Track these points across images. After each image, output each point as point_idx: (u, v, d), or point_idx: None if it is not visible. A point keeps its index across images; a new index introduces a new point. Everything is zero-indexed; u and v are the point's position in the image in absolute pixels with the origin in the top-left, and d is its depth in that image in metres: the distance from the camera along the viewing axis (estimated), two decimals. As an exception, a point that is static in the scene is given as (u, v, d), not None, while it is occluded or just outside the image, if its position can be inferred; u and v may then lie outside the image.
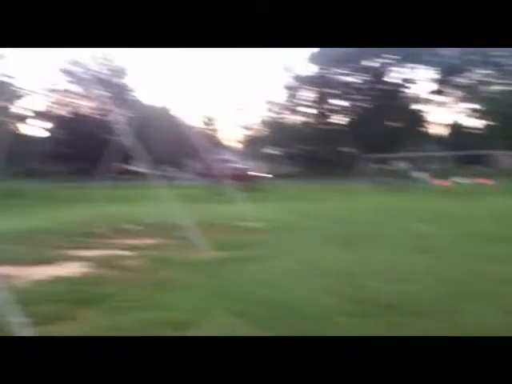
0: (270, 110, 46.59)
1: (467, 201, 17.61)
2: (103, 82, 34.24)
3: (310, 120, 47.24)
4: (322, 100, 45.82)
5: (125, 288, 5.24)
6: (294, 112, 46.20)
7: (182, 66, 76.48)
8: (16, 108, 25.26)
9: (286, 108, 46.08)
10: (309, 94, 46.71)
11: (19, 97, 19.67)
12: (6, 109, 18.30)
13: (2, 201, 17.63)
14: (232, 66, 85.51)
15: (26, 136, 26.83)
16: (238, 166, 32.11)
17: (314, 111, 47.11)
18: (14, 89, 25.34)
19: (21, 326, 3.35)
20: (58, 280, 5.65)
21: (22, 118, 25.82)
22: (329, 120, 47.13)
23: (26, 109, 29.68)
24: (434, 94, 46.15)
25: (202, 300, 4.80)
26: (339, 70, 44.91)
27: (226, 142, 43.55)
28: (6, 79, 26.88)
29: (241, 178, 25.74)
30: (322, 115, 47.15)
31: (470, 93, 43.61)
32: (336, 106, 46.58)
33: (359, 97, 45.78)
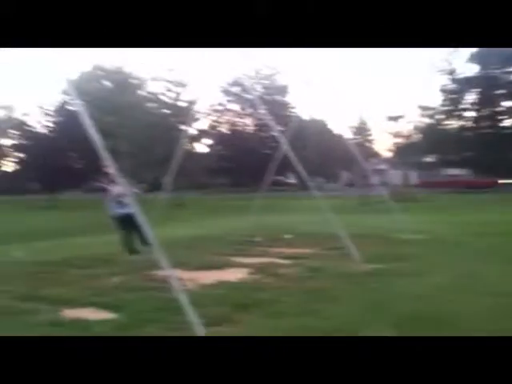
0: (423, 115, 43.99)
1: None
2: (262, 100, 36.09)
3: (471, 124, 43.34)
4: (485, 102, 41.75)
5: (282, 295, 5.47)
6: (452, 116, 42.90)
7: (333, 74, 76.92)
8: (191, 129, 28.33)
9: (442, 112, 43.02)
10: (469, 96, 42.97)
11: (193, 118, 22.09)
12: (185, 131, 20.85)
13: (171, 210, 19.73)
14: (382, 69, 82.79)
15: (193, 152, 29.70)
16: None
17: (476, 114, 43.15)
18: (191, 111, 28.35)
19: (196, 326, 3.72)
20: (221, 284, 6.15)
21: (192, 137, 28.75)
22: (494, 123, 42.72)
23: (195, 128, 33.04)
24: None
25: (356, 311, 4.78)
26: (505, 70, 40.53)
27: (378, 151, 42.32)
28: (184, 104, 30.27)
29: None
30: (486, 118, 42.93)
31: None
32: (503, 107, 42.03)
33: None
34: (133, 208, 7.26)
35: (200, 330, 3.71)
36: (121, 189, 7.40)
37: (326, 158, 41.80)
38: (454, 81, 41.66)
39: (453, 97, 42.09)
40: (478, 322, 4.26)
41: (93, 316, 4.85)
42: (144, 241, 7.20)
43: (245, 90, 44.40)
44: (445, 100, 42.65)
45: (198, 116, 28.07)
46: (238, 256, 8.36)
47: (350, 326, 4.27)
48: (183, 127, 29.37)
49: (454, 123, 43.35)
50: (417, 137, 44.61)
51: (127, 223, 7.40)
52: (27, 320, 4.70)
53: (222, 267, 7.47)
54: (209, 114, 44.84)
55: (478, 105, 42.40)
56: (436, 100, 44.44)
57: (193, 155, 28.64)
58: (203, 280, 6.48)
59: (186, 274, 6.72)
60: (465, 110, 42.94)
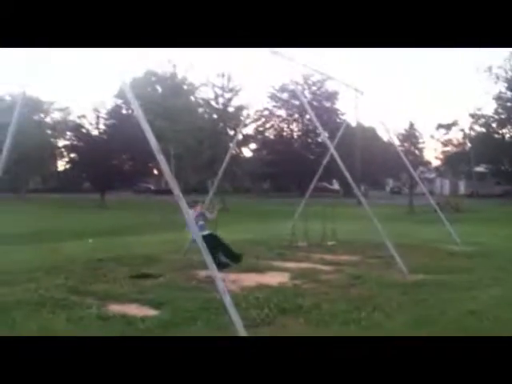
0: (476, 123, 42.37)
1: None
2: (310, 106, 35.96)
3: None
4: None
5: (323, 301, 5.42)
6: (505, 125, 41.03)
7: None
8: (239, 134, 28.77)
9: (496, 120, 41.28)
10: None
11: (242, 124, 22.36)
12: (232, 135, 21.15)
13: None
14: (435, 73, 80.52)
15: (238, 157, 30.03)
16: None
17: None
18: (240, 117, 28.74)
19: (238, 327, 3.75)
20: (263, 287, 6.16)
21: (238, 142, 29.11)
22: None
23: (242, 133, 33.45)
24: None
25: (400, 322, 4.66)
26: None
27: (427, 159, 41.04)
28: (233, 109, 30.73)
29: None
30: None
31: None
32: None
33: None
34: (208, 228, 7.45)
35: (241, 331, 3.73)
36: (200, 209, 7.57)
37: (373, 165, 41.04)
38: (511, 88, 39.91)
39: (509, 105, 40.32)
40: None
41: (136, 312, 4.98)
42: (233, 257, 7.51)
43: (293, 95, 44.41)
44: (499, 108, 40.94)
45: (246, 121, 28.27)
46: (280, 260, 8.35)
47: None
48: (231, 132, 29.80)
49: (509, 132, 41.52)
50: (468, 145, 43.05)
51: (212, 243, 7.18)
52: (77, 313, 4.88)
53: (264, 271, 7.48)
54: (256, 120, 45.21)
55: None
56: (489, 108, 42.62)
57: (238, 159, 28.90)
58: (245, 282, 6.52)
59: (228, 276, 6.78)
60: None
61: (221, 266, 6.92)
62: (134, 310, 5.12)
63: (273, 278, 6.82)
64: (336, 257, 8.82)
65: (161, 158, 4.15)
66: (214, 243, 7.17)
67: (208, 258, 3.94)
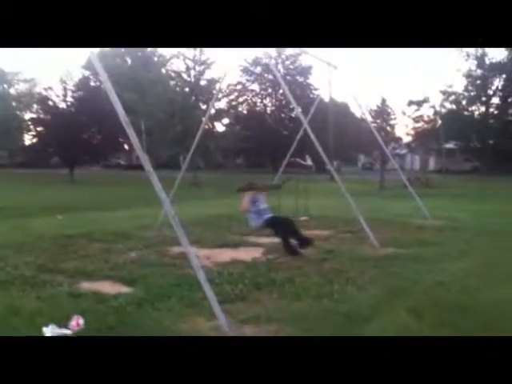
0: (445, 100, 42.97)
1: None
2: (283, 81, 35.74)
3: (496, 111, 42.27)
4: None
5: (297, 275, 5.46)
6: (474, 102, 41.81)
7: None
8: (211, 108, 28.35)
9: (465, 97, 41.97)
10: (496, 83, 41.80)
11: (214, 98, 21.96)
12: (205, 110, 20.65)
13: (188, 190, 19.82)
14: (404, 54, 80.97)
15: (211, 132, 29.65)
16: None
17: (502, 101, 42.01)
18: (212, 90, 28.27)
19: (213, 303, 3.73)
20: (237, 263, 6.16)
21: (211, 117, 28.68)
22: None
23: (214, 108, 33.01)
24: None
25: (374, 295, 4.74)
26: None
27: (398, 135, 41.60)
28: (205, 82, 30.14)
29: None
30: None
31: None
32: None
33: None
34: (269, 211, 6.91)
35: (216, 307, 3.72)
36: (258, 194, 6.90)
37: (346, 141, 41.35)
38: (481, 66, 40.52)
39: (479, 82, 40.98)
40: (498, 309, 4.20)
41: (109, 289, 4.91)
42: (303, 242, 6.83)
43: (266, 69, 44.00)
44: (469, 85, 41.57)
45: (218, 95, 27.83)
46: (253, 235, 8.36)
47: (366, 309, 4.24)
48: (203, 106, 29.34)
49: (478, 110, 42.30)
50: (438, 122, 43.72)
51: (286, 227, 6.88)
52: (47, 291, 4.78)
53: (238, 246, 7.48)
54: (229, 94, 44.63)
55: (505, 91, 41.24)
56: (460, 85, 43.30)
57: (211, 134, 28.57)
58: (219, 258, 6.50)
59: (201, 252, 6.75)
60: (491, 96, 41.82)
61: (291, 251, 6.64)
62: (107, 287, 5.04)
63: (247, 253, 6.83)
64: (309, 231, 8.87)
65: (130, 131, 4.01)
66: (288, 227, 6.86)
67: (180, 232, 3.84)
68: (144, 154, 4.16)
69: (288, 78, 44.46)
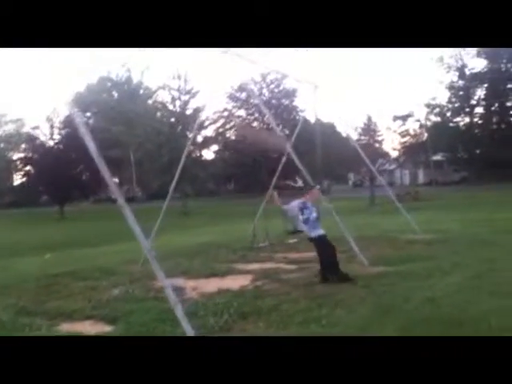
0: (430, 113, 43.52)
1: None
2: (269, 105, 36.19)
3: (480, 121, 42.82)
4: (495, 97, 41.17)
5: (284, 301, 5.32)
6: (459, 113, 42.37)
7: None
8: (198, 136, 28.35)
9: (449, 109, 42.54)
10: (479, 92, 42.47)
11: (200, 125, 22.10)
12: (190, 137, 20.72)
13: (177, 218, 19.67)
14: (386, 67, 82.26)
15: (199, 159, 29.75)
16: None
17: (485, 110, 42.58)
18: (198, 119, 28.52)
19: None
20: (223, 292, 5.98)
21: (199, 144, 28.84)
22: (504, 119, 42.15)
23: (201, 135, 33.17)
24: None
25: (363, 316, 4.61)
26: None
27: (386, 151, 41.90)
28: (191, 111, 30.38)
29: None
30: (496, 114, 42.39)
31: None
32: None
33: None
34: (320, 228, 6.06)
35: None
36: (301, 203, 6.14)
37: (334, 160, 41.54)
38: (463, 77, 41.21)
39: (461, 93, 41.60)
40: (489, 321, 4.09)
41: (89, 329, 4.74)
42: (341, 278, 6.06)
43: (251, 95, 44.45)
44: (453, 97, 42.20)
45: (204, 123, 28.05)
46: (242, 262, 8.22)
47: (355, 331, 4.11)
48: (191, 135, 29.46)
49: (462, 120, 42.82)
50: (425, 135, 44.17)
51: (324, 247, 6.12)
52: (25, 335, 4.60)
53: (225, 274, 7.32)
54: (216, 121, 44.94)
55: (488, 100, 41.84)
56: (444, 97, 43.97)
57: (199, 162, 28.64)
58: (205, 288, 6.34)
59: (188, 283, 6.60)
60: (474, 106, 42.41)
61: (330, 278, 5.97)
62: (88, 326, 4.88)
63: (234, 282, 6.68)
64: (299, 254, 8.76)
65: (100, 161, 3.93)
66: (333, 253, 6.08)
67: (155, 266, 3.72)
68: (115, 185, 4.08)
69: (273, 101, 44.88)
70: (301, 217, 6.22)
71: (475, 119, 43.03)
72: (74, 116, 4.14)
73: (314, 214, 6.33)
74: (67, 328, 4.84)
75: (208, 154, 39.27)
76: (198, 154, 30.56)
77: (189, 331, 3.59)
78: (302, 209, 6.25)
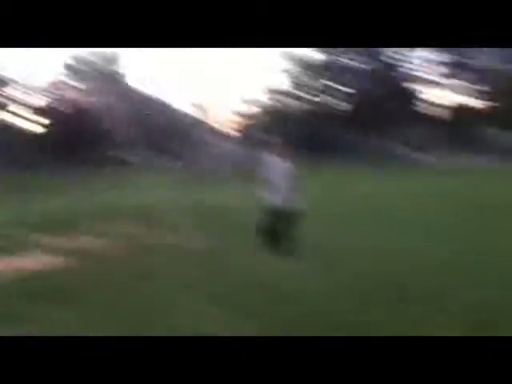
0: (267, 97, 46.24)
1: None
2: (95, 72, 34.39)
3: (309, 106, 46.89)
4: (321, 85, 45.30)
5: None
6: (290, 97, 45.90)
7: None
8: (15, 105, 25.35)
9: (282, 93, 45.75)
10: (309, 81, 46.29)
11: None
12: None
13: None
14: (226, 53, 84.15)
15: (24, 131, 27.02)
16: None
17: (314, 97, 46.73)
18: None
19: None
20: (21, 273, 5.23)
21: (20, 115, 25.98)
22: (329, 104, 46.70)
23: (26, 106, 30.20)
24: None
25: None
26: (344, 55, 44.39)
27: (220, 129, 43.20)
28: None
29: None
30: (323, 100, 46.75)
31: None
32: (337, 90, 46.03)
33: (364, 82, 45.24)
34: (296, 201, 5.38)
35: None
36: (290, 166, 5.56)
37: (166, 136, 41.30)
38: (297, 64, 44.25)
39: (292, 79, 44.73)
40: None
41: None
42: (289, 249, 5.48)
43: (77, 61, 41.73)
44: (288, 82, 45.26)
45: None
46: (49, 238, 7.35)
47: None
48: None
49: (292, 103, 46.17)
50: (262, 117, 46.79)
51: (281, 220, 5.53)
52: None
53: (25, 252, 6.41)
54: (43, 91, 41.24)
55: (316, 89, 45.70)
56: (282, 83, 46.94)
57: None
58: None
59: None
60: (304, 92, 46.00)
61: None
62: None
63: (36, 261, 5.88)
64: (120, 228, 8.24)
65: None
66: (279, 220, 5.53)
67: None
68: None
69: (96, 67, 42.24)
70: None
71: (305, 104, 46.77)
72: None
73: (278, 177, 5.79)
74: None
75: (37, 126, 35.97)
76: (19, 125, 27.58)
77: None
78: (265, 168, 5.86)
